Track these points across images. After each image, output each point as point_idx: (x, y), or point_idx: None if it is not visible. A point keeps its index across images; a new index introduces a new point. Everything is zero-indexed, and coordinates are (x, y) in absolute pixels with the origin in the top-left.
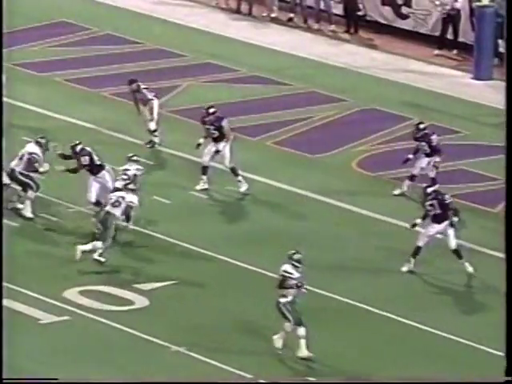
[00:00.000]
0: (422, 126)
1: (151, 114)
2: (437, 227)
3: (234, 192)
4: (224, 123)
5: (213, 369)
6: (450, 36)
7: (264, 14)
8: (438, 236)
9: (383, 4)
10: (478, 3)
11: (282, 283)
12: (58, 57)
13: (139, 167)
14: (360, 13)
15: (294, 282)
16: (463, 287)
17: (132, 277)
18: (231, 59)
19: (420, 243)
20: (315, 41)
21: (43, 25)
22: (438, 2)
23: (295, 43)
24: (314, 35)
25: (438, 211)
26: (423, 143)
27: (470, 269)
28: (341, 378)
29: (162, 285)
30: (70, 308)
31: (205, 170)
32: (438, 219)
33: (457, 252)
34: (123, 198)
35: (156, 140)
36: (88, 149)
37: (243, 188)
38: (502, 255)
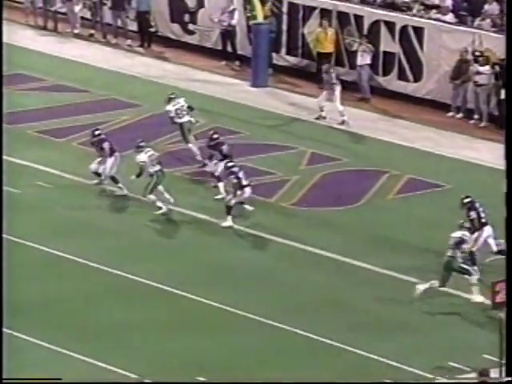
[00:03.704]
0: (215, 136)
1: None
2: (490, 230)
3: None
4: (105, 145)
5: None
6: (230, 49)
7: (68, 30)
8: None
9: (172, 21)
10: (254, 21)
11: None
12: None
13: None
14: (152, 29)
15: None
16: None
17: None
18: (39, 70)
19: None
20: (114, 54)
21: None
22: (216, 20)
23: (96, 56)
24: (113, 49)
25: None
26: (216, 151)
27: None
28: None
29: None
30: None
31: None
32: (487, 224)
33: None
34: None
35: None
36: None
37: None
38: (278, 239)
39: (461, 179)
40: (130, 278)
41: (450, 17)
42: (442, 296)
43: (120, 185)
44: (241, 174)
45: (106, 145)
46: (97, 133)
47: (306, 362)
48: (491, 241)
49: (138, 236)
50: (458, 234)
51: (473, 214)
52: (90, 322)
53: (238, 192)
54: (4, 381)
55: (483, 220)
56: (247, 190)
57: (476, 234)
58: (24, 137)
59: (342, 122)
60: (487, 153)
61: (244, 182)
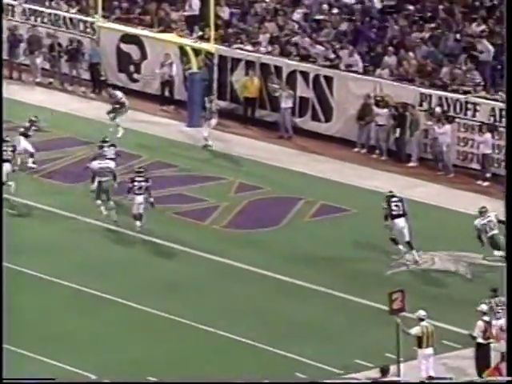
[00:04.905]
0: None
1: None
2: (402, 222)
3: None
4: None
5: None
6: (168, 94)
7: (30, 79)
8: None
9: (119, 71)
10: (189, 71)
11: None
12: None
13: None
14: (102, 78)
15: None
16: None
17: None
18: (6, 113)
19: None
20: (70, 99)
21: None
22: (157, 71)
23: (55, 101)
24: (69, 95)
25: (401, 211)
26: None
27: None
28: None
29: None
30: None
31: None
32: (400, 216)
33: (409, 243)
34: None
35: None
36: None
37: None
38: (211, 256)
39: (365, 204)
40: (86, 292)
41: (356, 67)
42: (350, 303)
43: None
44: (136, 183)
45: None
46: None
47: (231, 360)
48: (405, 231)
49: (93, 254)
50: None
51: (384, 205)
52: (49, 329)
53: (130, 196)
54: (4, 381)
55: (394, 212)
56: (138, 198)
57: (389, 222)
58: None
59: (205, 146)
60: (387, 182)
61: (136, 191)
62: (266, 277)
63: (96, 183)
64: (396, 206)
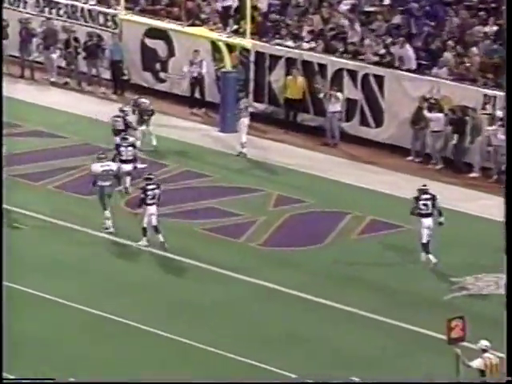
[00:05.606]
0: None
1: None
2: (429, 222)
3: None
4: None
5: None
6: (198, 96)
7: (44, 78)
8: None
9: (144, 70)
10: (222, 70)
11: None
12: None
13: None
14: (125, 77)
15: None
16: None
17: None
18: (17, 116)
19: (424, 240)
20: (88, 101)
21: None
22: (185, 69)
23: (71, 103)
24: (87, 96)
25: (430, 210)
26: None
27: (434, 260)
28: None
29: None
30: None
31: None
32: (427, 216)
33: (425, 245)
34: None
35: None
36: None
37: None
38: (246, 277)
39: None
40: (97, 315)
41: (409, 62)
42: (402, 330)
43: None
44: (150, 192)
45: None
46: None
47: None
48: (425, 232)
49: (111, 272)
50: None
51: (414, 202)
52: (60, 356)
53: (142, 208)
54: (4, 381)
55: (422, 212)
56: (150, 208)
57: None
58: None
59: (239, 154)
60: (444, 195)
61: (149, 201)
62: (307, 301)
63: (98, 188)
64: (424, 204)
